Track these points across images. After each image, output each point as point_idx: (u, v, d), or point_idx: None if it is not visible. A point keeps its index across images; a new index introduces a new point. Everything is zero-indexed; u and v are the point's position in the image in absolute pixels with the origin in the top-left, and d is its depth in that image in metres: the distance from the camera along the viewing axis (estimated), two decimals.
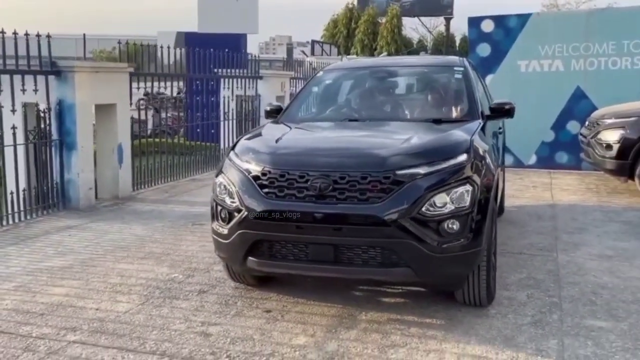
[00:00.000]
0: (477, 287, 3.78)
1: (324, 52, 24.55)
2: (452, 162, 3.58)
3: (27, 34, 6.68)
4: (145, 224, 6.57)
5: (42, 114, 7.11)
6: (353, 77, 5.28)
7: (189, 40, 15.20)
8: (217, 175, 4.08)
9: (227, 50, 10.90)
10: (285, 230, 3.61)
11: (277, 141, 4.02)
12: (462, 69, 4.97)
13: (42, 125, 7.15)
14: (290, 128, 4.39)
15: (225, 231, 3.82)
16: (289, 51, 16.06)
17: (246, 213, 3.67)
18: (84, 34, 8.52)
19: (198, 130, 10.41)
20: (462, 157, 3.63)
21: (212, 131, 10.74)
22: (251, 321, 3.87)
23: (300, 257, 3.64)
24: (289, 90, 13.09)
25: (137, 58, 8.68)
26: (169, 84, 9.53)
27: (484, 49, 9.95)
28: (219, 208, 3.95)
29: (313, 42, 26.55)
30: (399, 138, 3.89)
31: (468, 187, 3.52)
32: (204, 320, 3.90)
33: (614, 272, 4.73)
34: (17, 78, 6.71)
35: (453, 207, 3.48)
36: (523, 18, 9.73)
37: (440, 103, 4.75)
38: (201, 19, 15.45)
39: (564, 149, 9.72)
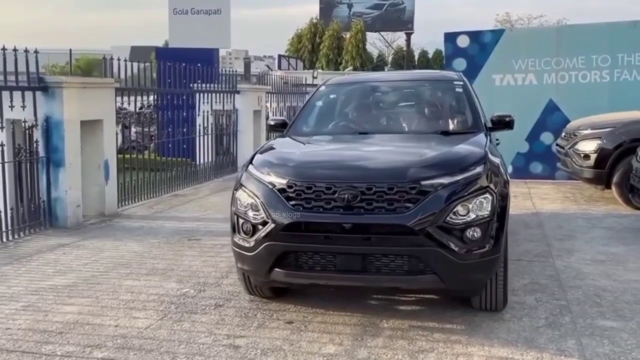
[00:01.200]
0: (494, 292, 3.94)
1: (290, 66, 24.73)
2: (472, 172, 3.75)
3: (15, 50, 6.57)
4: (139, 241, 6.51)
5: (28, 131, 6.99)
6: (356, 91, 5.42)
7: (160, 54, 15.11)
8: (236, 189, 4.12)
9: (199, 64, 10.85)
10: (313, 241, 3.69)
11: (297, 154, 4.10)
12: (461, 82, 5.17)
13: (29, 143, 7.03)
14: (304, 142, 4.49)
15: (250, 244, 3.87)
16: (247, 65, 16.12)
17: (273, 225, 3.73)
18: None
19: (170, 145, 10.23)
20: (480, 168, 3.80)
21: (184, 146, 10.55)
22: (276, 332, 3.91)
23: (328, 267, 3.72)
24: (265, 105, 13.15)
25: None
26: (132, 99, 9.20)
27: (460, 64, 10.28)
28: (241, 221, 4.00)
29: (280, 56, 26.73)
30: (417, 150, 4.04)
31: (488, 196, 3.69)
32: (228, 333, 3.92)
33: (610, 275, 4.97)
34: (4, 94, 6.58)
35: (474, 216, 3.63)
36: (497, 34, 10.12)
37: (446, 116, 4.94)
38: (172, 34, 15.39)
39: (538, 159, 10.11)
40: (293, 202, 3.74)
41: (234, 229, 4.07)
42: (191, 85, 10.71)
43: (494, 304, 4.03)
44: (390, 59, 39.41)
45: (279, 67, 24.00)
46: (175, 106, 10.34)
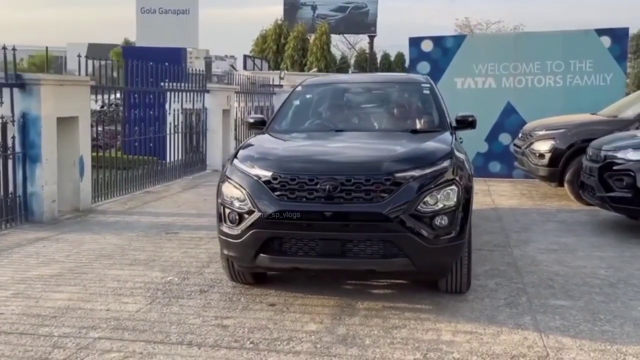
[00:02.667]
0: (459, 275, 4.34)
1: (256, 67, 24.93)
2: (440, 166, 4.14)
3: None
4: (118, 234, 6.70)
5: (4, 127, 7.08)
6: (331, 92, 5.77)
7: (127, 53, 15.14)
8: (222, 182, 4.41)
9: (166, 63, 10.98)
10: (296, 228, 4.02)
11: (281, 149, 4.42)
12: (428, 85, 5.59)
13: (4, 138, 7.12)
14: (285, 138, 4.81)
15: (237, 231, 4.17)
16: (208, 65, 16.31)
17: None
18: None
19: (137, 144, 10.21)
20: (447, 162, 4.20)
21: (151, 145, 10.57)
22: (260, 313, 4.22)
23: (310, 253, 4.05)
24: (235, 104, 13.38)
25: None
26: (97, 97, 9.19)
27: (423, 67, 10.76)
28: (227, 211, 4.29)
29: (245, 56, 26.89)
30: (390, 146, 4.42)
31: (454, 187, 4.09)
32: (215, 314, 4.20)
33: (561, 262, 5.45)
34: None
35: (442, 205, 4.03)
36: (459, 39, 10.65)
37: (414, 115, 5.34)
38: (139, 32, 15.45)
39: (496, 159, 10.67)
40: (278, 193, 4.06)
41: (220, 218, 4.35)
42: (161, 83, 10.86)
43: (459, 287, 4.43)
44: (352, 61, 39.87)
45: (245, 68, 24.14)
46: (143, 104, 10.42)
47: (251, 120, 5.55)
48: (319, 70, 28.20)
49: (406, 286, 4.73)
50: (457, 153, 4.40)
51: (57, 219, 7.43)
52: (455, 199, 4.07)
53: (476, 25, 42.55)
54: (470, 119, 5.24)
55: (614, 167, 6.17)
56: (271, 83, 16.35)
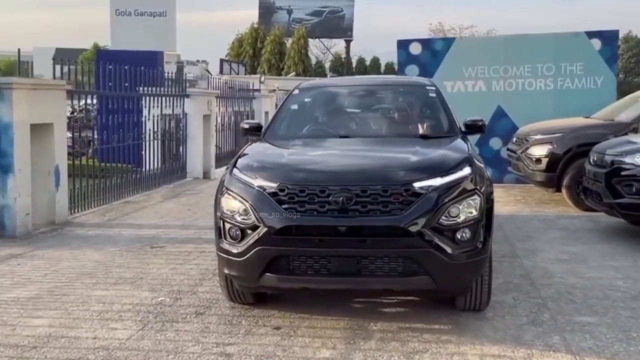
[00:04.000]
0: (480, 292, 4.03)
1: (233, 71, 24.48)
2: (460, 174, 3.82)
3: None
4: (99, 249, 6.24)
5: None
6: (332, 95, 5.42)
7: (101, 56, 14.56)
8: (221, 194, 4.02)
9: (142, 67, 10.48)
10: (307, 244, 3.66)
11: (286, 157, 4.05)
12: (434, 88, 5.28)
13: None
14: (287, 145, 4.43)
15: (240, 249, 3.78)
16: (179, 70, 15.84)
17: (265, 229, 3.66)
18: None
19: (111, 151, 9.56)
20: (467, 170, 3.88)
21: (125, 152, 10.00)
22: (266, 338, 3.84)
23: (321, 271, 3.69)
24: (215, 109, 12.93)
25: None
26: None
27: (412, 71, 10.50)
28: (228, 226, 3.91)
29: (222, 60, 26.40)
30: (405, 153, 4.09)
31: (476, 198, 3.77)
32: (216, 341, 3.81)
33: (575, 273, 5.19)
34: None
35: (464, 217, 3.71)
36: (448, 42, 10.41)
37: (423, 120, 5.02)
38: (114, 35, 14.90)
39: (487, 163, 10.28)
40: (286, 206, 3.69)
41: (220, 234, 3.96)
42: (137, 88, 10.36)
43: (478, 304, 4.11)
44: (328, 65, 39.62)
45: (221, 72, 23.70)
46: (119, 110, 9.85)
47: (246, 126, 5.16)
48: (297, 75, 27.88)
49: (419, 303, 4.40)
50: (475, 159, 4.10)
51: (31, 233, 6.93)
52: (477, 210, 3.76)
53: (449, 30, 42.80)
54: (480, 123, 4.95)
55: (623, 173, 5.96)
56: (251, 87, 15.93)
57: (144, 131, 10.41)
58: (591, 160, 6.59)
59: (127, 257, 5.91)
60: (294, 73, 28.08)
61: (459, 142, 4.45)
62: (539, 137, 8.27)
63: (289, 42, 31.15)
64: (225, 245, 3.91)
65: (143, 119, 10.48)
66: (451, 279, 3.73)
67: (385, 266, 3.64)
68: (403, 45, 10.56)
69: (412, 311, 4.28)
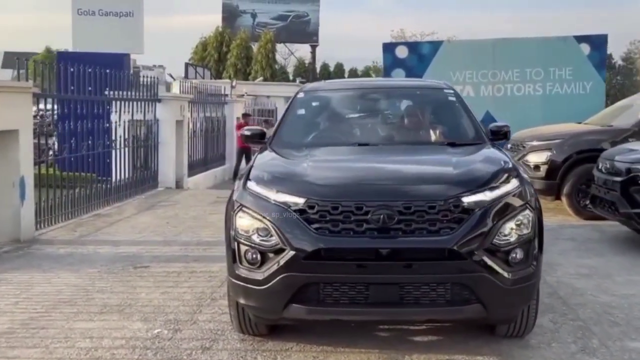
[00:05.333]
0: (526, 318, 3.61)
1: (198, 75, 23.71)
2: (509, 187, 3.40)
3: None
4: (74, 271, 5.57)
5: None
6: (344, 99, 4.92)
7: (62, 59, 13.72)
8: (234, 211, 3.47)
9: (107, 70, 9.71)
10: (342, 270, 3.16)
11: (310, 169, 3.53)
12: (452, 91, 4.86)
13: None
14: (304, 155, 3.90)
15: (261, 276, 3.25)
16: (136, 74, 15.12)
17: (293, 253, 3.15)
18: None
19: (72, 159, 8.62)
20: (516, 181, 3.47)
21: (90, 160, 9.18)
22: None
23: (358, 300, 3.19)
24: (188, 115, 12.27)
25: None
26: None
27: (398, 74, 10.14)
28: (244, 249, 3.37)
29: (187, 64, 25.53)
30: (442, 164, 3.64)
31: (528, 213, 3.36)
32: None
33: (605, 290, 4.84)
34: None
35: (516, 235, 3.29)
36: (435, 45, 10.09)
37: (446, 126, 4.58)
38: (76, 37, 14.04)
39: None
40: (316, 226, 3.18)
41: (234, 258, 3.42)
42: (106, 92, 9.63)
43: (522, 331, 3.70)
44: (291, 70, 39.04)
45: (186, 76, 22.89)
46: (84, 115, 9.01)
47: (247, 133, 4.62)
48: (265, 79, 27.29)
49: (453, 330, 3.93)
50: (521, 171, 3.68)
51: None
52: (530, 227, 3.34)
53: (411, 36, 42.76)
54: (505, 129, 4.55)
55: None
56: (222, 92, 15.31)
57: (112, 138, 9.68)
58: (602, 168, 6.30)
59: (109, 280, 5.27)
60: (261, 78, 27.47)
61: (494, 150, 4.04)
62: (536, 143, 7.99)
63: (255, 46, 30.51)
64: (242, 271, 3.37)
65: (111, 124, 9.75)
66: (505, 307, 3.30)
67: (431, 294, 3.18)
68: (389, 48, 10.20)
69: (447, 339, 3.82)
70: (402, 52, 10.09)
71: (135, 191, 10.32)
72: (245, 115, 15.04)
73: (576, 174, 7.53)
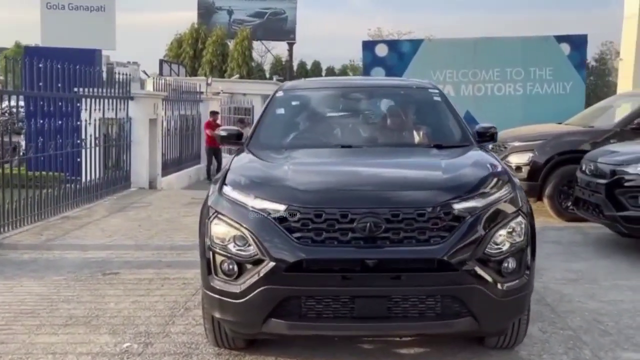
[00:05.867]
0: (517, 330, 3.44)
1: (173, 72, 23.25)
2: (501, 192, 3.23)
3: None
4: (39, 278, 5.27)
5: None
6: (324, 99, 4.69)
7: (30, 54, 13.23)
8: (209, 218, 3.23)
9: (77, 66, 9.31)
10: (326, 282, 2.94)
11: (290, 173, 3.30)
12: (437, 91, 4.67)
13: None
14: (282, 157, 3.67)
15: (238, 288, 3.02)
16: (110, 71, 14.67)
17: (273, 264, 2.92)
18: None
19: (42, 159, 8.19)
20: (508, 187, 3.29)
21: (60, 159, 8.81)
22: None
23: (341, 315, 2.97)
24: (161, 113, 11.93)
25: None
26: None
27: (378, 73, 9.97)
28: (220, 259, 3.13)
29: (161, 61, 25.01)
30: (430, 167, 3.45)
31: (521, 220, 3.18)
32: None
33: (592, 296, 4.72)
34: None
35: (508, 244, 3.11)
36: (415, 44, 9.94)
37: (431, 127, 4.38)
38: (45, 31, 13.55)
39: None
40: (298, 235, 2.96)
41: (209, 268, 3.18)
42: (77, 89, 9.26)
43: (513, 342, 3.53)
44: (267, 67, 38.58)
45: (161, 73, 22.43)
46: (52, 113, 8.62)
47: (224, 134, 4.38)
48: (241, 77, 26.90)
49: (438, 340, 3.75)
50: (512, 175, 3.51)
51: None
52: (523, 235, 3.17)
53: (388, 35, 42.64)
54: (492, 130, 4.38)
55: (627, 184, 5.56)
56: (197, 90, 14.97)
57: (82, 137, 9.30)
58: (586, 170, 6.20)
59: (75, 289, 4.98)
60: (237, 75, 27.08)
61: (482, 153, 3.86)
62: (517, 144, 7.88)
63: (231, 43, 30.06)
64: (217, 283, 3.13)
65: (81, 122, 9.37)
66: (497, 319, 3.12)
67: (420, 306, 2.98)
68: (368, 46, 10.02)
69: (434, 351, 3.64)
70: (382, 51, 9.92)
71: (107, 192, 9.96)
72: (213, 113, 14.72)
73: (558, 176, 7.44)
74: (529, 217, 3.28)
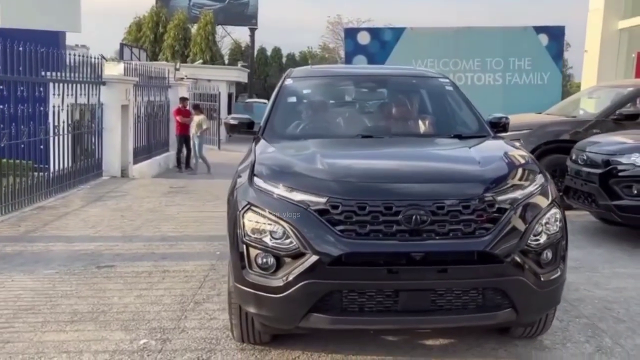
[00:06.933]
0: (544, 320, 3.46)
1: (134, 56, 22.55)
2: (537, 183, 3.23)
3: None
4: (29, 273, 5.02)
5: None
6: (336, 87, 4.60)
7: None
8: (242, 211, 3.10)
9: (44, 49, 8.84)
10: (370, 276, 2.87)
11: (322, 163, 3.20)
12: (448, 81, 4.63)
13: None
14: (308, 148, 3.55)
15: (278, 282, 2.92)
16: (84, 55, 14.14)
17: (316, 258, 2.83)
18: None
19: (2, 145, 7.51)
20: (541, 178, 3.30)
21: (22, 146, 8.30)
22: None
23: (386, 309, 2.92)
24: (133, 99, 11.55)
25: None
26: None
27: (360, 61, 9.90)
28: (255, 252, 3.02)
29: (122, 45, 24.18)
30: (464, 159, 3.42)
31: (556, 211, 3.19)
32: None
33: (597, 284, 4.82)
34: None
35: (546, 236, 3.11)
36: (397, 32, 9.90)
37: (450, 117, 4.36)
38: (4, 13, 12.89)
39: None
40: (341, 227, 2.88)
41: (244, 262, 3.06)
42: (43, 73, 8.80)
43: (540, 332, 3.56)
44: (226, 52, 37.75)
45: (121, 57, 21.72)
46: (17, 99, 8.14)
47: (234, 122, 4.23)
48: (204, 63, 26.34)
49: (462, 331, 3.75)
50: (541, 166, 3.52)
51: None
52: (558, 226, 3.18)
53: (347, 22, 42.64)
54: (504, 121, 4.40)
55: (621, 174, 5.69)
56: (167, 75, 14.56)
57: (52, 123, 8.88)
58: (578, 159, 6.31)
59: (71, 283, 4.76)
60: (201, 61, 26.49)
61: (507, 143, 3.86)
62: (503, 134, 7.94)
63: (194, 28, 29.34)
64: (253, 277, 3.02)
65: (50, 109, 8.93)
66: (535, 310, 3.14)
67: (463, 299, 2.95)
68: (351, 34, 9.95)
69: (460, 342, 3.64)
70: (364, 39, 9.86)
71: (79, 181, 9.61)
72: (183, 99, 14.39)
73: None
74: (562, 209, 3.29)
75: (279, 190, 3.06)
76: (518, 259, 2.93)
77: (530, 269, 2.98)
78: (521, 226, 2.99)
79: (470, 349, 3.55)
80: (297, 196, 3.00)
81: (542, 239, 3.09)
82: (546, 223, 3.13)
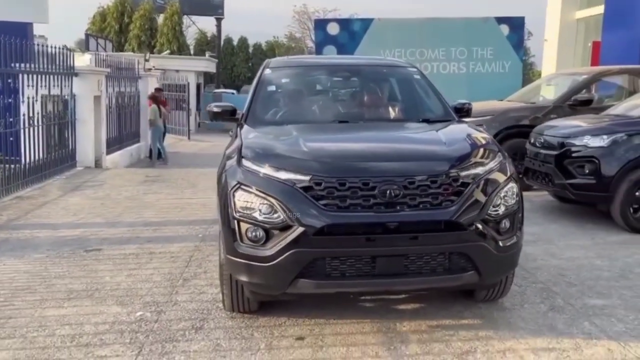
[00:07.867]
0: (504, 283, 3.88)
1: (100, 47, 22.38)
2: (497, 160, 3.62)
3: None
4: (19, 257, 5.23)
5: None
6: (313, 76, 4.92)
7: None
8: (233, 189, 3.41)
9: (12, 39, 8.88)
10: (351, 244, 3.23)
11: (309, 146, 3.53)
12: (416, 69, 5.01)
13: None
14: (291, 132, 3.87)
15: (268, 252, 3.25)
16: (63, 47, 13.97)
17: (302, 229, 3.17)
18: None
19: None
20: (501, 156, 3.69)
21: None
22: (296, 352, 3.37)
23: (365, 273, 3.28)
24: (105, 90, 11.63)
25: None
26: None
27: (330, 51, 10.22)
28: (245, 227, 3.34)
29: (87, 35, 23.94)
30: (432, 140, 3.80)
31: (513, 185, 3.59)
32: None
33: (553, 255, 5.28)
34: None
35: (504, 207, 3.51)
36: (366, 23, 10.25)
37: (418, 103, 4.72)
38: None
39: None
40: (324, 202, 3.22)
41: (235, 236, 3.38)
42: (13, 64, 8.84)
43: (499, 295, 3.98)
44: (191, 42, 37.55)
45: (87, 48, 21.54)
46: None
47: (217, 110, 4.52)
48: (172, 53, 26.27)
49: (429, 296, 4.15)
50: (500, 146, 3.92)
51: None
52: (515, 199, 3.57)
53: (313, 12, 42.79)
54: (467, 106, 4.79)
55: (574, 154, 6.17)
56: (136, 66, 14.62)
57: (27, 115, 8.95)
58: (536, 142, 6.78)
59: (62, 265, 4.99)
60: (168, 51, 26.41)
61: (470, 126, 4.24)
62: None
63: (160, 18, 29.16)
64: (244, 249, 3.34)
65: (24, 100, 9.01)
66: (495, 273, 3.53)
67: (432, 263, 3.33)
68: (321, 25, 10.25)
69: (430, 306, 4.03)
70: (333, 29, 10.18)
71: (54, 171, 9.71)
72: (158, 90, 14.42)
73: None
74: (518, 183, 3.70)
75: (266, 170, 3.38)
76: (480, 227, 3.32)
77: (491, 235, 3.37)
78: (482, 198, 3.37)
79: (439, 312, 3.94)
80: (284, 175, 3.32)
81: (501, 209, 3.48)
82: (504, 196, 3.52)
